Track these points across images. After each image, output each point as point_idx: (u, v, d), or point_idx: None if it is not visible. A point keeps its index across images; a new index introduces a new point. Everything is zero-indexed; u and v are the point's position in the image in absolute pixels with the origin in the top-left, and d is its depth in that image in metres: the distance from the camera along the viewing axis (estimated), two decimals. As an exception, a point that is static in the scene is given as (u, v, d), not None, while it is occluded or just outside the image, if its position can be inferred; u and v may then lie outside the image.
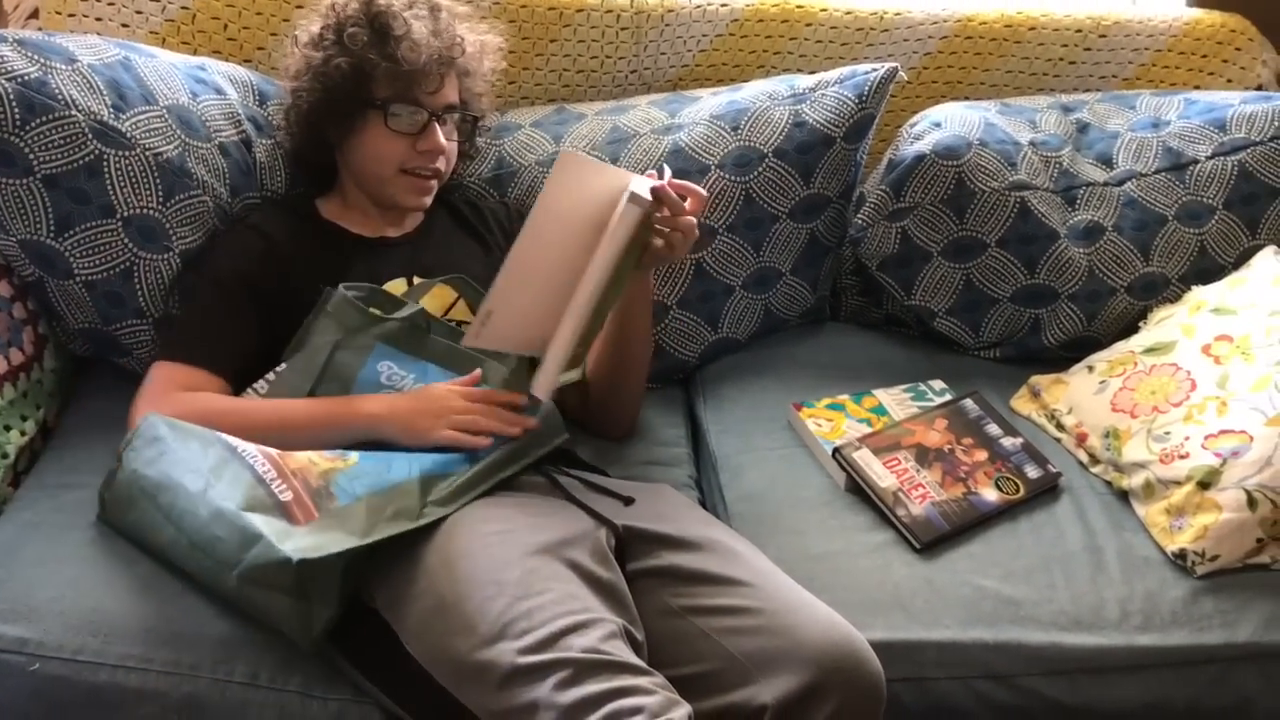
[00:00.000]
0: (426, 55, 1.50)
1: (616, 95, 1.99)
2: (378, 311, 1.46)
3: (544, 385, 1.32)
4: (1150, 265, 1.84)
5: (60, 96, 1.47)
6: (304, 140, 1.63)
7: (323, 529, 1.26)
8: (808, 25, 2.00)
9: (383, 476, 1.31)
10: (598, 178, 1.33)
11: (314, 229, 1.60)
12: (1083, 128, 1.94)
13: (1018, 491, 1.56)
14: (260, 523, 1.24)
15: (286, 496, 1.27)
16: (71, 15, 1.81)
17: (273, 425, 1.40)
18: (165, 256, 1.55)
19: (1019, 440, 1.63)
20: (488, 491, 1.35)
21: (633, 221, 1.29)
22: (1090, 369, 1.76)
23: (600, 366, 1.57)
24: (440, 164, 1.57)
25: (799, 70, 1.99)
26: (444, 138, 1.56)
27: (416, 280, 1.56)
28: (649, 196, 1.31)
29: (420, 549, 1.27)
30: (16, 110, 1.44)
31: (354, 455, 1.34)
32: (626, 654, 1.15)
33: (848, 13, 2.01)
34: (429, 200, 1.61)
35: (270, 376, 1.47)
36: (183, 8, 1.84)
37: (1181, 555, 1.46)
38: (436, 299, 1.55)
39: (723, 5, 1.98)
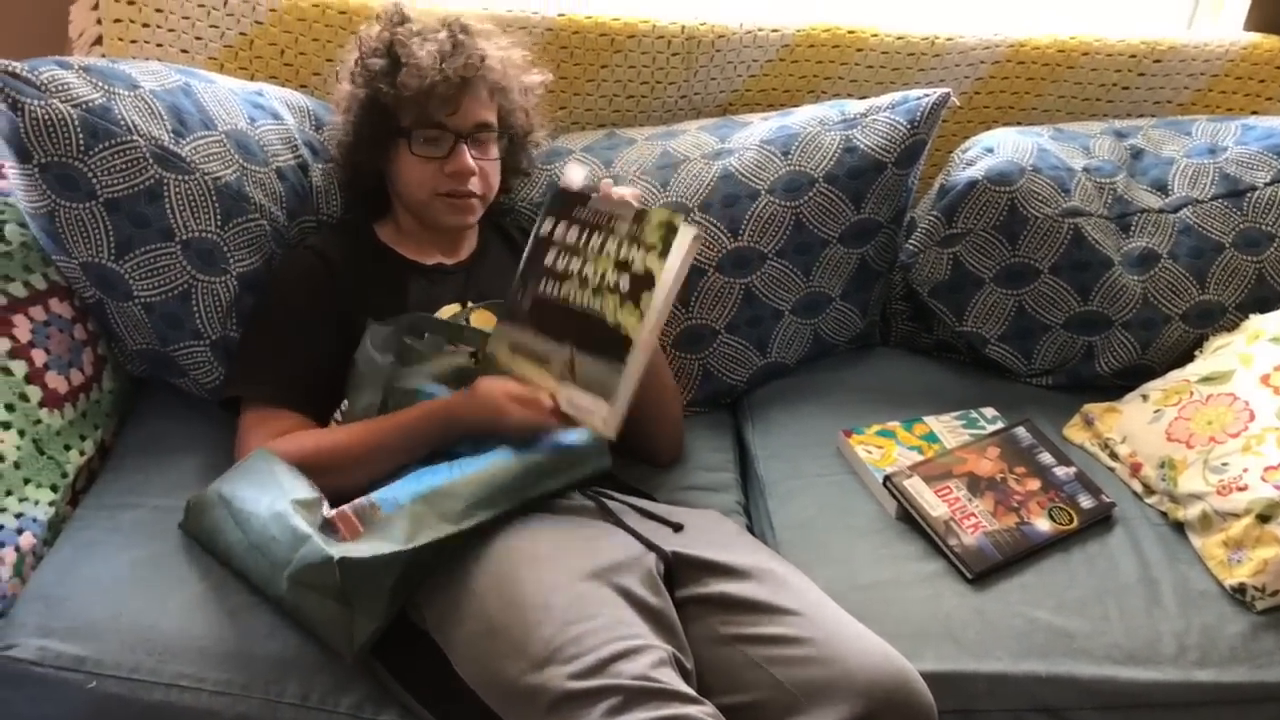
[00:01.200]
0: (431, 78, 1.50)
1: (666, 120, 1.99)
2: (419, 344, 1.48)
3: (615, 424, 1.34)
4: (1206, 293, 1.82)
5: (123, 122, 1.50)
6: (350, 171, 1.66)
7: (367, 538, 1.27)
8: (859, 50, 2.00)
9: (425, 481, 1.33)
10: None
11: (371, 253, 1.62)
12: (1137, 154, 1.92)
13: (1071, 522, 1.54)
14: (307, 523, 1.28)
15: (330, 513, 1.29)
16: (134, 42, 1.85)
17: (358, 448, 1.43)
18: (223, 279, 1.57)
19: (1072, 470, 1.61)
20: (533, 510, 1.35)
21: (692, 251, 1.33)
22: (1145, 398, 1.73)
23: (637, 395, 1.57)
24: (474, 185, 1.57)
25: (850, 95, 1.98)
26: (473, 158, 1.55)
27: (469, 305, 1.58)
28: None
29: (470, 571, 1.28)
30: (81, 136, 1.46)
31: (396, 479, 1.36)
32: (676, 682, 1.15)
33: (899, 38, 2.00)
34: (473, 219, 1.62)
35: (337, 416, 1.50)
36: (241, 34, 1.87)
37: (1241, 590, 1.44)
38: (484, 321, 1.56)
39: (774, 30, 1.98)
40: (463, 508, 1.30)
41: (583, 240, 1.40)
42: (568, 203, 1.44)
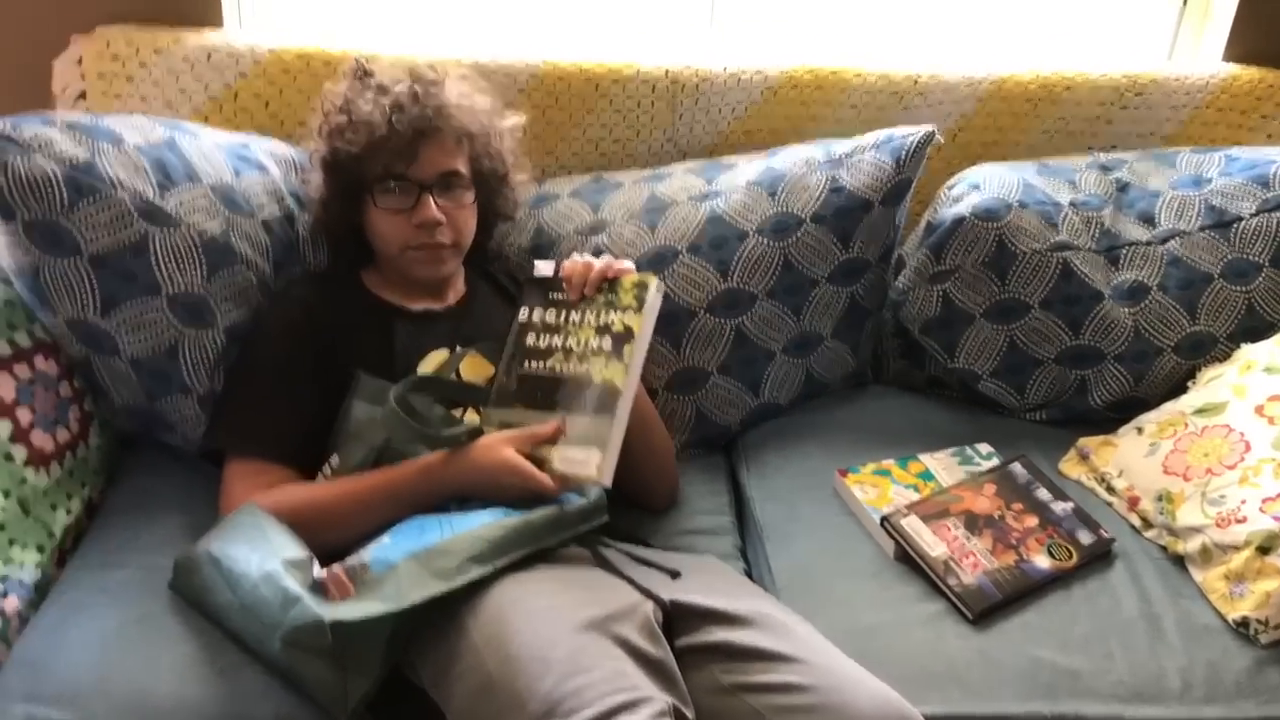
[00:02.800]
0: (380, 132, 1.50)
1: (653, 163, 2.00)
2: (420, 425, 1.46)
3: (609, 470, 1.38)
4: (1197, 324, 1.82)
5: (107, 177, 1.49)
6: (326, 225, 1.66)
7: (359, 599, 1.25)
8: (842, 91, 2.01)
9: (417, 540, 1.31)
10: None
11: (358, 301, 1.61)
12: (1123, 187, 1.93)
13: (1070, 558, 1.53)
14: (298, 584, 1.26)
15: (321, 574, 1.27)
16: (118, 96, 1.85)
17: (348, 504, 1.41)
18: (210, 332, 1.56)
19: (1069, 505, 1.60)
20: (528, 560, 1.34)
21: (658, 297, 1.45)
22: (1139, 430, 1.73)
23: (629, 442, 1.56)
24: (443, 235, 1.56)
25: (834, 135, 1.98)
26: (441, 207, 1.54)
27: (458, 349, 1.57)
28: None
29: (465, 624, 1.26)
30: (65, 192, 1.45)
31: (387, 536, 1.34)
32: (677, 733, 1.13)
33: (882, 77, 2.01)
34: (447, 269, 1.61)
35: (326, 471, 1.48)
36: (225, 86, 1.87)
37: (1244, 623, 1.43)
38: (474, 368, 1.55)
39: (757, 73, 1.99)
40: (456, 565, 1.28)
41: (560, 318, 1.48)
42: (541, 288, 1.52)
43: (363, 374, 1.50)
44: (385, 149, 1.51)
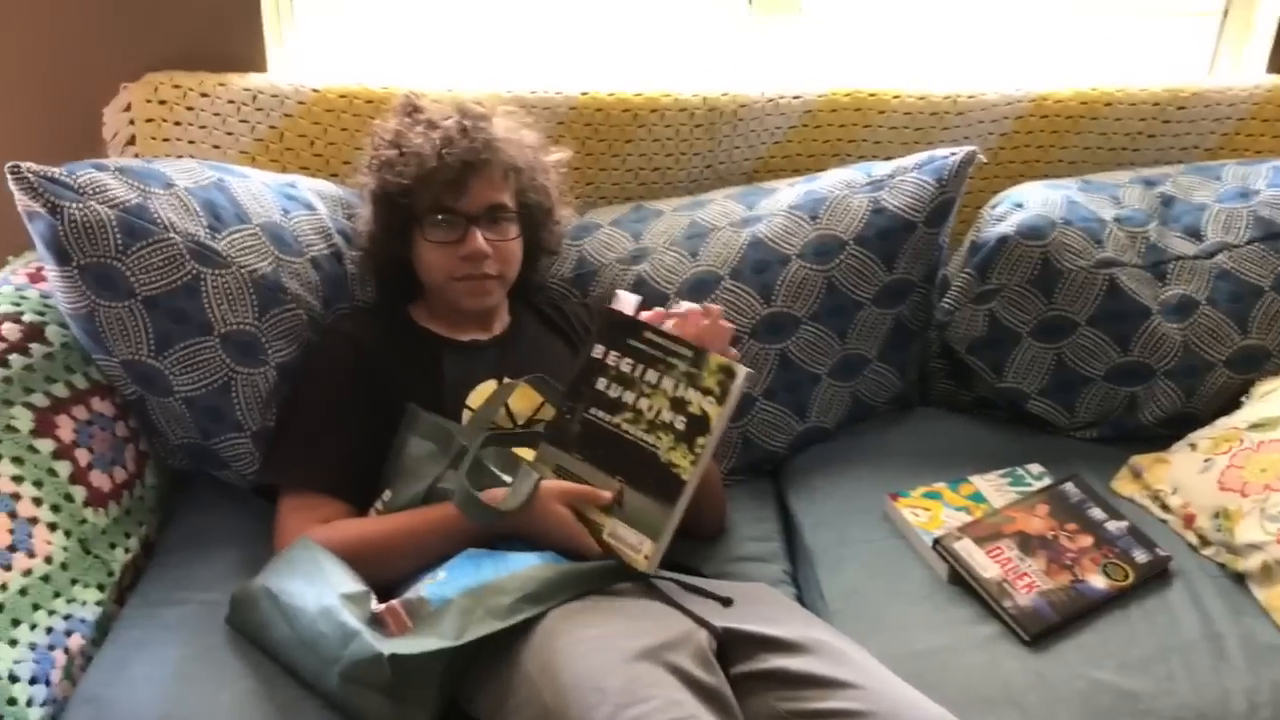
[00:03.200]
0: (430, 165, 1.52)
1: (692, 190, 2.01)
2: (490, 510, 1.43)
3: (656, 563, 1.36)
4: (1249, 338, 1.80)
5: (159, 220, 1.52)
6: (376, 259, 1.68)
7: (416, 634, 1.26)
8: (881, 113, 2.01)
9: (473, 577, 1.31)
10: None
11: (406, 333, 1.62)
12: (1168, 201, 1.91)
13: (1127, 578, 1.51)
14: (356, 619, 1.26)
15: (379, 609, 1.28)
16: (166, 140, 1.88)
17: (401, 539, 1.42)
18: (262, 370, 1.58)
19: (1124, 524, 1.58)
20: (581, 594, 1.34)
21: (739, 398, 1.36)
22: (1193, 447, 1.71)
23: None
24: (489, 267, 1.57)
25: (874, 157, 1.99)
26: (488, 240, 1.56)
27: (506, 381, 1.58)
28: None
29: (519, 655, 1.26)
30: (119, 235, 1.48)
31: (443, 571, 1.34)
32: (735, 762, 1.12)
33: (921, 98, 2.01)
34: (492, 300, 1.63)
35: (379, 506, 1.49)
36: (271, 128, 1.90)
37: (1309, 641, 1.40)
38: (523, 400, 1.56)
39: (795, 97, 1.99)
40: (510, 603, 1.28)
41: (637, 372, 1.39)
42: (620, 330, 1.42)
43: (414, 407, 1.52)
44: (435, 182, 1.53)
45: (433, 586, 1.30)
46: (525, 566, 1.33)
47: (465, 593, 1.29)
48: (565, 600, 1.31)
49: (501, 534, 1.40)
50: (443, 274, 1.58)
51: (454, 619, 1.26)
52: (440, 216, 1.55)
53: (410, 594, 1.30)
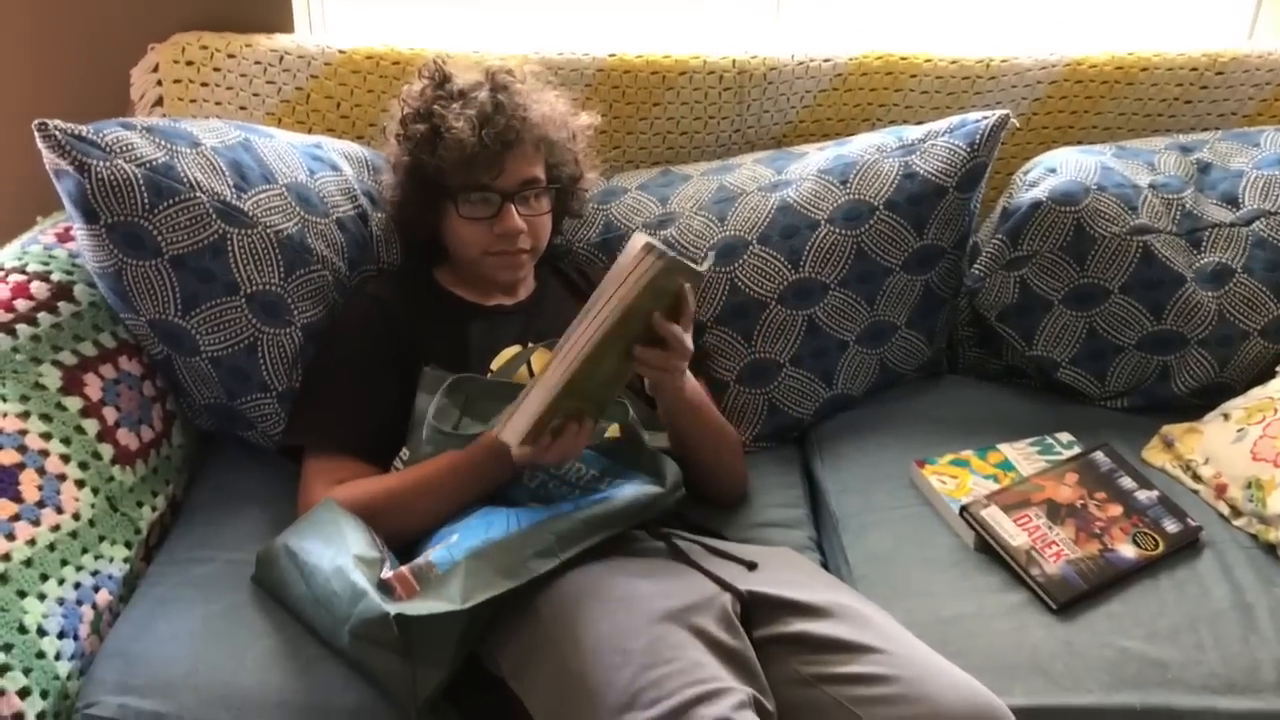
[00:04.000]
0: (472, 148, 1.50)
1: (720, 155, 1.99)
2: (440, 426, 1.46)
3: (512, 431, 1.30)
4: (1285, 307, 1.77)
5: (186, 179, 1.52)
6: (402, 226, 1.67)
7: (423, 597, 1.26)
8: (913, 76, 1.98)
9: (480, 535, 1.31)
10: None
11: (431, 297, 1.62)
12: (1204, 168, 1.88)
13: (1157, 547, 1.49)
14: (366, 580, 1.27)
15: (387, 574, 1.28)
16: (193, 101, 1.88)
17: (414, 489, 1.43)
18: (288, 331, 1.58)
19: (1154, 493, 1.57)
20: (604, 552, 1.34)
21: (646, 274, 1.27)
22: (1226, 417, 1.69)
23: (681, 449, 1.55)
24: (523, 242, 1.57)
25: (905, 122, 1.96)
26: (521, 215, 1.55)
27: (529, 345, 1.57)
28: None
29: (542, 616, 1.26)
30: (145, 194, 1.48)
31: (455, 534, 1.34)
32: (758, 725, 1.12)
33: (953, 62, 1.98)
34: (524, 272, 1.63)
35: (398, 465, 1.50)
36: (297, 89, 1.90)
37: (1341, 612, 1.39)
38: (544, 363, 1.55)
39: (826, 60, 1.97)
40: (521, 560, 1.28)
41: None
42: None
43: (428, 369, 1.51)
44: (473, 163, 1.51)
45: (442, 550, 1.30)
46: (535, 522, 1.32)
47: (472, 554, 1.28)
48: (581, 552, 1.31)
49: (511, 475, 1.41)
50: (476, 248, 1.57)
51: (461, 581, 1.26)
52: (475, 195, 1.54)
53: (419, 559, 1.30)
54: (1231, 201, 1.83)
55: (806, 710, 1.23)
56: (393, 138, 1.60)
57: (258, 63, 1.88)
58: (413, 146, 1.55)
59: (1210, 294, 1.77)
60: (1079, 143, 1.98)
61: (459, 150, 1.50)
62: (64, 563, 1.35)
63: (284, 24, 1.96)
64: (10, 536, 1.30)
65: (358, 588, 1.26)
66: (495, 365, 1.55)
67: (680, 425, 1.52)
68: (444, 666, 1.25)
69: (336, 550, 1.31)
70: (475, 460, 1.42)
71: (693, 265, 1.32)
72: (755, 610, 1.30)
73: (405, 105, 1.58)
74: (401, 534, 1.40)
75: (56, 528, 1.36)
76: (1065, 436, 1.70)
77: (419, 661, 1.25)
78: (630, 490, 1.42)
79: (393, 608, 1.23)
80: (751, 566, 1.37)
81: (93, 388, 1.50)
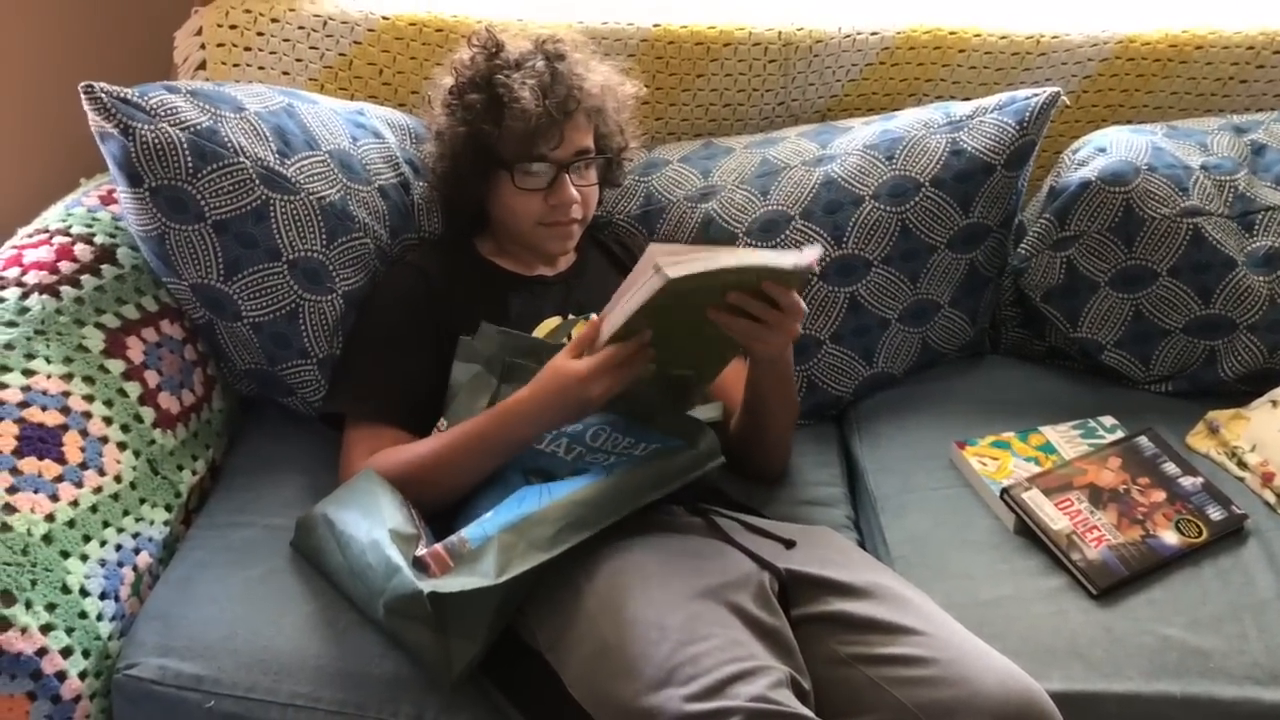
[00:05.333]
0: (536, 117, 1.48)
1: (764, 128, 1.97)
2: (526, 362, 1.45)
3: (609, 323, 1.30)
4: (1339, 293, 1.74)
5: (230, 144, 1.52)
6: (445, 195, 1.66)
7: (457, 573, 1.26)
8: (961, 51, 1.95)
9: (513, 510, 1.31)
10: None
11: (472, 267, 1.61)
12: (1258, 149, 1.84)
13: (1200, 534, 1.47)
14: (400, 555, 1.26)
15: (422, 552, 1.28)
16: (236, 65, 1.88)
17: (448, 452, 1.41)
18: (329, 298, 1.58)
19: (1199, 480, 1.55)
20: (642, 527, 1.33)
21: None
22: (1274, 403, 1.66)
23: (738, 421, 1.55)
24: (576, 212, 1.56)
25: (952, 98, 1.94)
26: (576, 186, 1.54)
27: (569, 316, 1.57)
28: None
29: (580, 591, 1.26)
30: (189, 158, 1.48)
31: (489, 511, 1.33)
32: (794, 703, 1.11)
33: (1003, 37, 1.95)
34: (573, 242, 1.62)
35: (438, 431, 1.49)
36: (340, 55, 1.89)
37: (1388, 605, 1.36)
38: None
39: (873, 34, 1.94)
40: (554, 533, 1.28)
41: None
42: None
43: (464, 338, 1.51)
44: (536, 133, 1.50)
45: (474, 527, 1.30)
46: (568, 492, 1.31)
47: (506, 528, 1.28)
48: (615, 522, 1.31)
49: (545, 427, 1.39)
50: (529, 219, 1.56)
51: (495, 556, 1.25)
52: (533, 165, 1.53)
53: (453, 537, 1.29)
54: (1286, 184, 1.80)
55: (843, 690, 1.22)
56: (441, 107, 1.58)
57: (301, 28, 1.87)
58: (470, 116, 1.52)
59: (1262, 278, 1.74)
60: (1129, 122, 1.95)
61: (523, 120, 1.48)
62: (105, 524, 1.36)
63: (328, -12, 1.95)
64: (54, 497, 1.31)
65: (392, 562, 1.26)
66: (537, 334, 1.55)
67: (763, 392, 1.50)
68: (478, 641, 1.26)
69: (373, 523, 1.31)
70: (499, 420, 1.39)
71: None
72: (794, 589, 1.30)
73: (458, 74, 1.56)
74: (438, 500, 1.40)
75: (99, 489, 1.37)
76: (1108, 420, 1.68)
77: (453, 635, 1.25)
78: (663, 453, 1.41)
79: (426, 585, 1.23)
80: (790, 545, 1.36)
81: (135, 351, 1.50)
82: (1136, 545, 1.45)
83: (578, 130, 1.55)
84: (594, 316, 1.37)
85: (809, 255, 1.30)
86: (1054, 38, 1.96)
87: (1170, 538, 1.46)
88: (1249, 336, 1.75)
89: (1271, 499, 1.56)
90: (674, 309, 1.28)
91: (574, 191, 1.54)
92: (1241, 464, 1.62)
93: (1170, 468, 1.56)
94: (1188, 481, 1.54)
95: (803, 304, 1.34)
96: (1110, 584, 1.40)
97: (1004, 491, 1.51)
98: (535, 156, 1.52)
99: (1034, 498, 1.50)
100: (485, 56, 1.55)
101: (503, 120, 1.49)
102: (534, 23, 1.78)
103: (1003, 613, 1.38)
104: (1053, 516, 1.47)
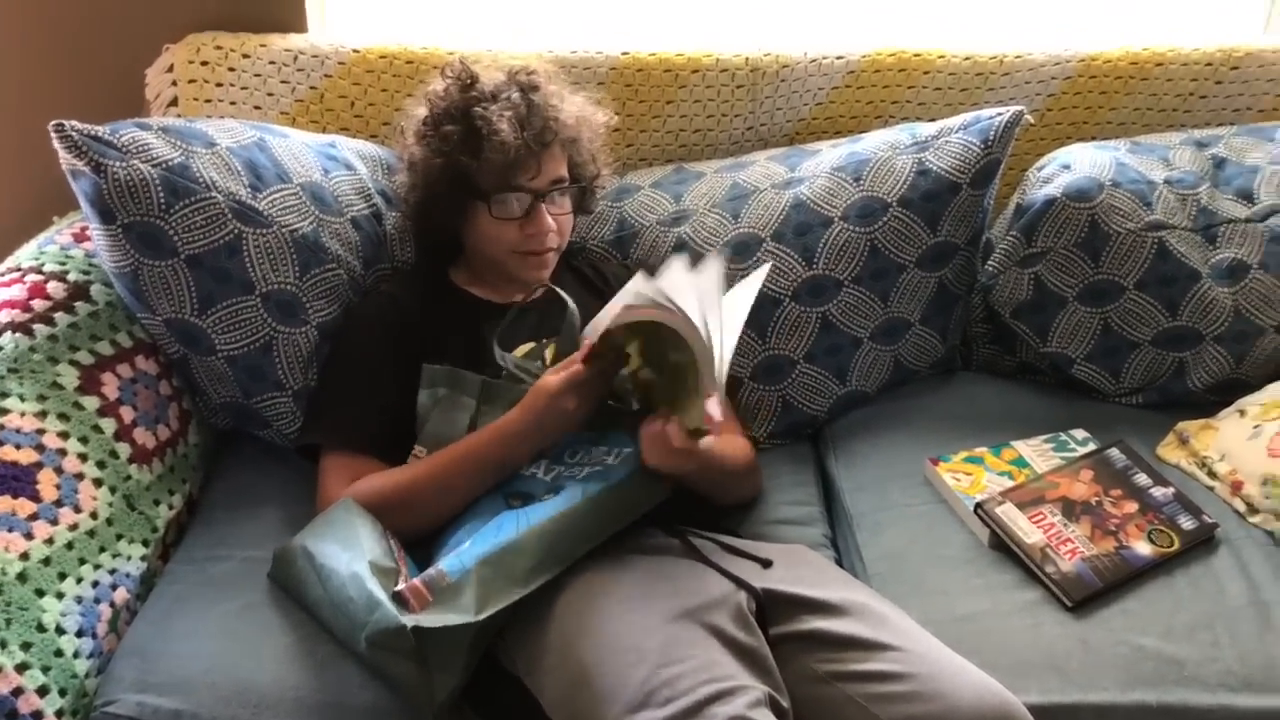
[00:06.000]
0: (515, 150, 1.50)
1: (733, 152, 1.99)
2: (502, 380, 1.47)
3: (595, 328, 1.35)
4: (1301, 302, 1.77)
5: (202, 179, 1.52)
6: (418, 226, 1.67)
7: (437, 608, 1.26)
8: (925, 73, 1.98)
9: (490, 540, 1.31)
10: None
11: (446, 296, 1.62)
12: (1219, 163, 1.87)
13: (1172, 544, 1.49)
14: (381, 589, 1.27)
15: (401, 586, 1.28)
16: (208, 101, 1.89)
17: (426, 480, 1.43)
18: (303, 330, 1.59)
19: (1170, 490, 1.56)
20: (619, 549, 1.34)
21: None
22: (1242, 413, 1.68)
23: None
24: (552, 240, 1.58)
25: (918, 118, 1.96)
26: (552, 214, 1.56)
27: (543, 341, 1.57)
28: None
29: (557, 615, 1.27)
30: (161, 194, 1.49)
31: (467, 540, 1.34)
32: (773, 722, 1.12)
33: (966, 58, 1.98)
34: (549, 271, 1.63)
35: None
36: (311, 88, 1.90)
37: (1358, 610, 1.38)
38: (557, 359, 1.55)
39: (838, 58, 1.97)
40: (531, 565, 1.28)
41: None
42: None
43: (427, 367, 1.52)
44: (513, 164, 1.52)
45: (453, 558, 1.30)
46: (544, 518, 1.32)
47: (483, 561, 1.28)
48: (589, 553, 1.31)
49: (530, 450, 1.41)
50: (504, 247, 1.57)
51: (474, 590, 1.26)
52: (510, 195, 1.54)
53: (431, 570, 1.30)
54: (1247, 197, 1.83)
55: (822, 708, 1.23)
56: (415, 137, 1.59)
57: (272, 62, 1.89)
58: (447, 147, 1.54)
59: (1226, 290, 1.76)
60: (1093, 138, 1.98)
61: (502, 153, 1.50)
62: (82, 561, 1.36)
63: (297, 23, 1.96)
64: (29, 535, 1.31)
65: (373, 596, 1.26)
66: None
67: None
68: (459, 672, 1.26)
69: (353, 555, 1.31)
70: (484, 444, 1.41)
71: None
72: (771, 608, 1.30)
73: (432, 105, 1.58)
74: (418, 528, 1.41)
75: (74, 526, 1.37)
76: (1080, 433, 1.70)
77: (434, 668, 1.25)
78: (633, 465, 1.40)
79: (409, 619, 1.23)
80: (766, 564, 1.37)
81: (110, 387, 1.51)
82: (1110, 556, 1.46)
83: (553, 160, 1.57)
84: (587, 340, 1.38)
85: (712, 408, 1.27)
86: (1017, 57, 1.99)
87: (1143, 548, 1.48)
88: (1216, 347, 1.77)
89: (1241, 507, 1.58)
90: (648, 333, 1.29)
91: (550, 220, 1.55)
92: (1211, 473, 1.64)
93: (1142, 479, 1.58)
94: (1159, 492, 1.56)
95: (693, 450, 1.30)
96: (1085, 596, 1.41)
97: (978, 506, 1.52)
98: (512, 187, 1.53)
99: (1008, 512, 1.51)
100: (460, 88, 1.56)
101: (482, 152, 1.51)
102: (504, 53, 1.79)
103: (979, 627, 1.39)
104: (1026, 530, 1.49)
